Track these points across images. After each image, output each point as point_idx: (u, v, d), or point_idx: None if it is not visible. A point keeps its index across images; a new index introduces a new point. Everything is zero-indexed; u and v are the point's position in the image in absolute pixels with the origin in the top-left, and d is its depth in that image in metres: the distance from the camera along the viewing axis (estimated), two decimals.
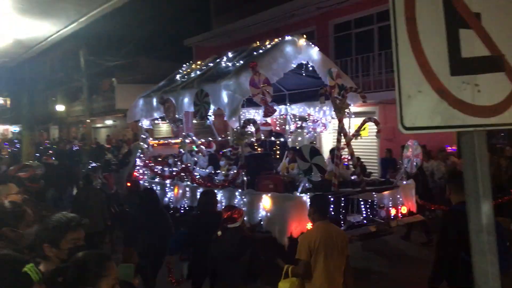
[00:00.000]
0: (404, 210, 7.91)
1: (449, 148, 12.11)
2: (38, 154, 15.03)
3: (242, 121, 8.08)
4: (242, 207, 7.01)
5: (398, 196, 7.89)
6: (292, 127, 11.33)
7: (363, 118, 8.82)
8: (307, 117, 10.83)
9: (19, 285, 1.81)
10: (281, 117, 11.69)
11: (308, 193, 6.77)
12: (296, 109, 10.90)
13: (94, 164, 12.37)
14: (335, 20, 16.15)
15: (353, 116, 9.17)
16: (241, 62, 8.52)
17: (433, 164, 11.37)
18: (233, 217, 4.64)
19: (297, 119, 11.17)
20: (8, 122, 40.11)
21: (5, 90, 36.28)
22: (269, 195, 7.02)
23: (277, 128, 11.05)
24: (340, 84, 8.58)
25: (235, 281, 4.53)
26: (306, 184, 7.40)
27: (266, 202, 7.01)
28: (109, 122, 30.30)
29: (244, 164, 7.90)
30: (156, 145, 11.59)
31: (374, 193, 7.65)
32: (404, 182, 8.36)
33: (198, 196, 7.20)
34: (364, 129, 8.97)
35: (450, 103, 1.88)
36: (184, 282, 5.57)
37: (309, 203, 4.72)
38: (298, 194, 6.97)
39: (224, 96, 7.82)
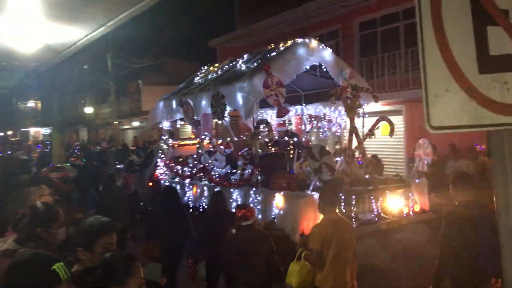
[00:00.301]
0: (416, 208, 8.00)
1: (478, 146, 11.84)
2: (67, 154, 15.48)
3: (255, 122, 8.19)
4: (256, 206, 7.32)
5: (410, 194, 8.01)
6: (308, 127, 11.45)
7: (377, 117, 8.88)
8: (322, 117, 10.95)
9: (48, 283, 1.87)
10: (297, 117, 11.78)
11: (315, 193, 6.92)
12: (312, 109, 11.02)
13: (120, 165, 12.64)
14: (360, 18, 15.99)
15: (366, 115, 9.25)
16: (255, 64, 8.69)
17: (462, 164, 11.12)
18: (246, 215, 4.84)
19: (313, 119, 11.32)
20: (40, 124, 41.21)
21: (37, 94, 37.31)
22: (282, 193, 7.21)
23: (293, 128, 11.12)
24: (354, 84, 8.60)
25: (252, 276, 4.68)
26: (317, 183, 7.53)
27: (279, 200, 7.21)
28: (136, 123, 30.78)
29: (258, 163, 8.14)
30: (176, 145, 11.86)
31: (387, 191, 7.78)
32: (417, 181, 8.45)
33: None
34: (378, 128, 8.99)
35: (478, 102, 1.85)
36: (201, 281, 5.73)
37: (318, 195, 4.87)
38: (309, 192, 7.08)
39: (239, 98, 8.03)
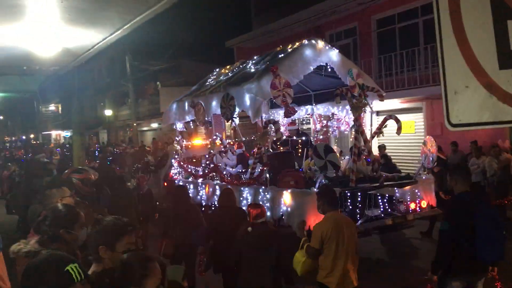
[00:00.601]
0: (423, 204, 8.10)
1: (501, 142, 11.61)
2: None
3: (263, 122, 8.54)
4: (265, 203, 7.50)
5: (417, 190, 8.11)
6: (318, 126, 11.67)
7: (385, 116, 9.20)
8: (331, 116, 11.10)
9: (60, 284, 1.88)
10: (307, 116, 12.12)
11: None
12: (321, 108, 11.18)
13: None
14: (377, 15, 15.83)
15: (374, 113, 9.45)
16: (263, 66, 8.87)
17: (484, 161, 10.93)
18: (259, 214, 5.13)
19: (322, 119, 11.54)
20: (60, 127, 41.88)
21: (57, 97, 37.93)
22: (289, 191, 7.43)
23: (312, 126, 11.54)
24: (361, 83, 8.77)
25: (263, 271, 4.90)
26: (323, 180, 7.76)
27: (286, 198, 7.43)
28: (154, 125, 31.05)
29: (267, 162, 8.45)
30: (190, 146, 12.05)
31: (395, 188, 7.94)
32: (424, 177, 8.69)
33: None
34: (386, 126, 9.30)
35: (499, 98, 1.80)
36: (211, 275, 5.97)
37: (317, 197, 5.06)
38: (315, 190, 7.11)
39: (247, 99, 8.24)
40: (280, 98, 7.80)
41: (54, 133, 47.77)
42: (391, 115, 9.48)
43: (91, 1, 5.18)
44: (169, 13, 7.09)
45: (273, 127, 8.79)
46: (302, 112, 11.71)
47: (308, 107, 11.62)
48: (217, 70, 11.78)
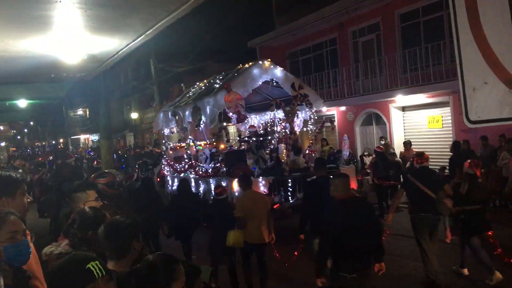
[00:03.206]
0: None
1: None
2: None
3: (217, 128, 11.39)
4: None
5: None
6: (279, 128, 13.64)
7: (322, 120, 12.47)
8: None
9: (82, 281, 1.95)
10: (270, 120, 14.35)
11: (260, 177, 10.05)
12: (281, 113, 12.68)
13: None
14: (401, 10, 15.62)
15: (313, 119, 11.80)
16: (220, 83, 11.27)
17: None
18: (221, 191, 7.18)
19: (281, 122, 13.47)
20: (88, 131, 42.76)
21: (84, 102, 38.74)
22: (237, 180, 8.84)
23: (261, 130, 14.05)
24: (303, 94, 10.93)
25: (223, 230, 6.73)
26: (258, 171, 10.86)
27: (235, 185, 9.57)
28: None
29: (223, 158, 11.26)
30: (178, 147, 14.69)
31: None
32: (345, 167, 11.74)
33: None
34: (326, 127, 12.31)
35: None
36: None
37: (238, 182, 7.41)
38: (253, 178, 9.42)
39: (207, 110, 10.54)
40: (233, 109, 10.16)
41: (82, 137, 48.81)
42: (326, 119, 12.27)
43: (114, 10, 5.29)
44: (191, 15, 7.17)
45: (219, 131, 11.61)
46: (267, 116, 14.00)
47: (271, 112, 13.53)
48: (198, 83, 14.28)
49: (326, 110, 18.79)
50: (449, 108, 14.12)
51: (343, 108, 18.26)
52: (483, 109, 1.83)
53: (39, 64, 8.25)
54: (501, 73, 1.82)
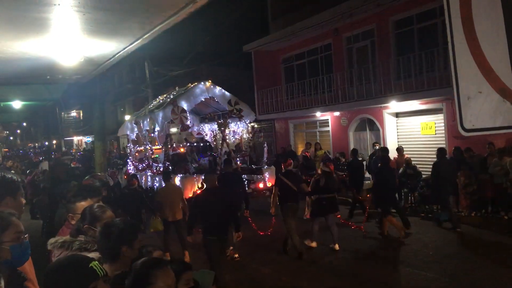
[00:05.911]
0: (269, 184, 13.30)
1: None
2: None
3: (165, 136, 14.76)
4: None
5: (260, 176, 13.77)
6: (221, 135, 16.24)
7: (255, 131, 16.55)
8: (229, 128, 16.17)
9: (88, 278, 1.98)
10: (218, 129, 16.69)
11: (195, 174, 13.27)
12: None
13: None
14: (395, 17, 15.74)
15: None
16: (168, 99, 14.51)
17: (506, 161, 10.72)
18: (132, 183, 10.09)
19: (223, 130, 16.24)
20: (82, 133, 42.57)
21: (78, 103, 38.57)
22: (179, 176, 12.68)
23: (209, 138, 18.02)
24: (238, 108, 14.22)
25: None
26: (192, 169, 13.88)
27: (177, 180, 12.82)
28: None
29: (169, 159, 14.48)
30: (142, 150, 17.05)
31: (244, 175, 12.96)
32: (266, 167, 14.17)
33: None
34: (259, 137, 14.82)
35: None
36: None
37: (162, 177, 10.54)
38: (188, 174, 13.36)
39: (159, 120, 13.79)
40: (178, 120, 13.42)
41: (76, 139, 48.56)
42: (256, 129, 16.17)
43: (112, 13, 5.31)
44: (187, 19, 7.20)
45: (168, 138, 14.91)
46: (215, 126, 16.53)
47: (218, 122, 15.77)
48: (159, 96, 17.52)
49: (320, 115, 18.94)
50: (442, 114, 14.24)
51: (337, 114, 18.34)
52: (478, 117, 1.87)
53: (35, 66, 8.24)
54: (495, 82, 1.86)
